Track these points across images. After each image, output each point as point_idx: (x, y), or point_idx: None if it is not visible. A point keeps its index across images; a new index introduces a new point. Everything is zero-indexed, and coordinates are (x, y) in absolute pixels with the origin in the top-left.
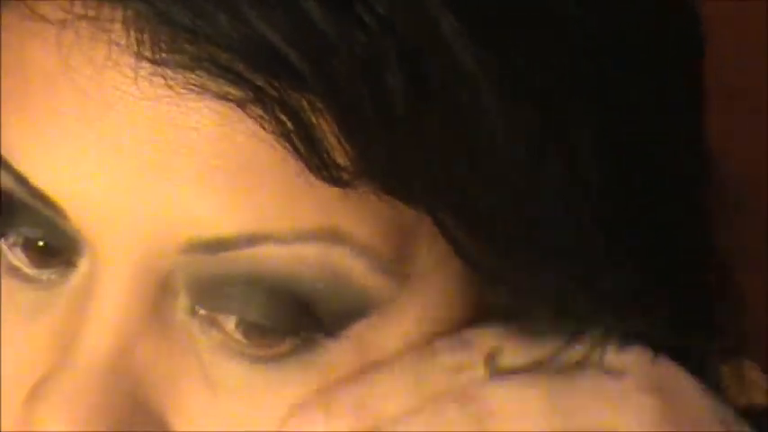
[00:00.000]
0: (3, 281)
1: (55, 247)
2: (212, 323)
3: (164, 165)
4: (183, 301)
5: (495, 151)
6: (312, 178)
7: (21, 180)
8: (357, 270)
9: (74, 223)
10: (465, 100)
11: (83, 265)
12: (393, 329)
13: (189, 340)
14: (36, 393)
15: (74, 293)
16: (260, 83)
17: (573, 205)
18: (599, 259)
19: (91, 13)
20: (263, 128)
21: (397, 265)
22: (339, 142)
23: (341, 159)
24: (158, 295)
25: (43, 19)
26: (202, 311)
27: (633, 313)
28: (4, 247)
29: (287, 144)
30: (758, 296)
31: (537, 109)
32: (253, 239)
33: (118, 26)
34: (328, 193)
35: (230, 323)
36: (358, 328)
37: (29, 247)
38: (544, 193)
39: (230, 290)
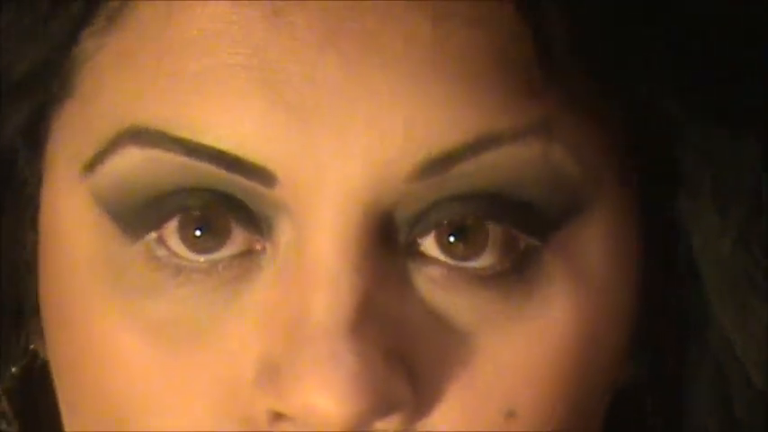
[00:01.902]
0: (173, 296)
1: (220, 225)
2: (425, 260)
3: (382, 92)
4: (401, 241)
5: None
6: (528, 74)
7: (215, 156)
8: (571, 165)
9: (281, 190)
10: None
11: (278, 241)
12: (591, 231)
13: (410, 284)
14: (281, 376)
15: (275, 275)
16: None
17: None
18: None
19: None
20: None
21: (597, 161)
22: (562, 28)
23: (561, 47)
24: (380, 241)
25: None
26: (417, 247)
27: None
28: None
29: (512, 34)
30: None
31: None
32: (483, 145)
33: None
34: (543, 85)
35: (434, 247)
36: (564, 234)
37: (189, 236)
38: None
39: (451, 206)
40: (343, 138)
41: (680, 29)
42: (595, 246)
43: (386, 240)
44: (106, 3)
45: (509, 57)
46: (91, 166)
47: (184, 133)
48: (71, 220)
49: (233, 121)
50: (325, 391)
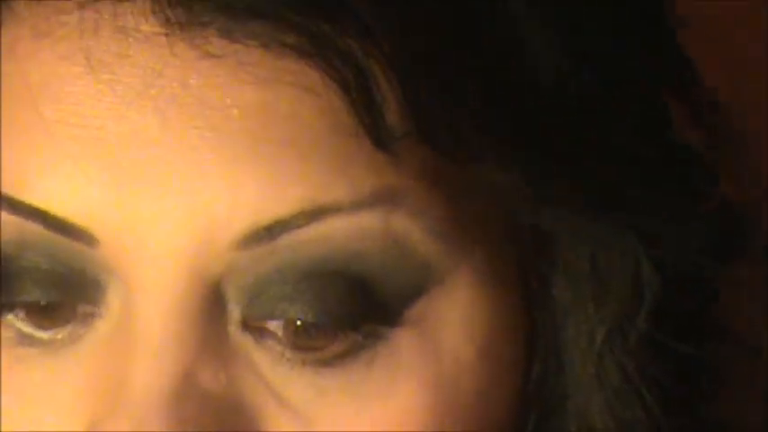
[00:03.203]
0: (13, 354)
1: (64, 302)
2: (264, 333)
3: (203, 153)
4: (233, 314)
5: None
6: (364, 142)
7: (37, 215)
8: (416, 235)
9: (104, 251)
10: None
11: (111, 305)
12: (450, 300)
13: (246, 358)
14: None
15: (106, 337)
16: (318, 29)
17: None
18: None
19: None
20: (328, 76)
21: (451, 230)
22: (394, 97)
23: (394, 116)
24: (208, 312)
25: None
26: (254, 323)
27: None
28: (10, 319)
29: (343, 101)
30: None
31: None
32: (313, 215)
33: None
34: (380, 156)
35: (279, 330)
36: (419, 307)
37: (32, 311)
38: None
39: (283, 288)
40: (164, 200)
41: (529, 107)
42: (452, 318)
43: (217, 312)
44: None
45: (340, 123)
46: None
47: (12, 190)
48: None
49: (54, 181)
50: None
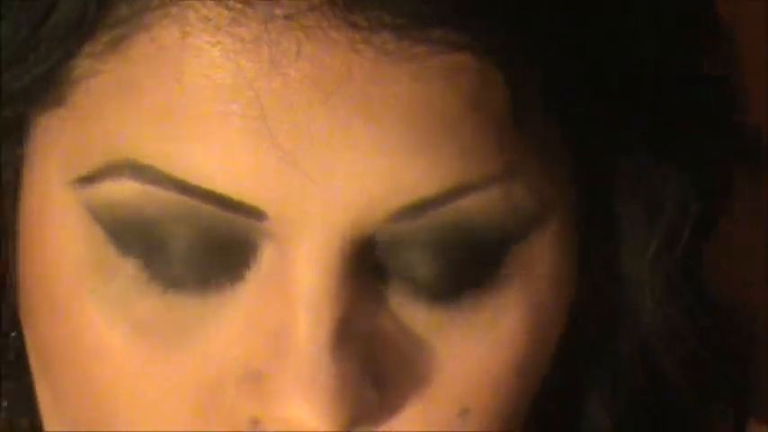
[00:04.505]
0: (162, 299)
1: (213, 260)
2: (396, 276)
3: (365, 142)
4: (375, 262)
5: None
6: (500, 122)
7: (207, 195)
8: (530, 200)
9: (269, 224)
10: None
11: (261, 261)
12: (542, 246)
13: (378, 297)
14: (265, 386)
15: (258, 288)
16: (475, 26)
17: None
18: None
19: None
20: (483, 67)
21: (551, 189)
22: (534, 79)
23: (532, 97)
24: (356, 268)
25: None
26: (391, 275)
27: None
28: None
29: (490, 90)
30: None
31: None
32: (455, 193)
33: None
34: (510, 135)
35: (412, 274)
36: (520, 250)
37: (184, 260)
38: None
39: (421, 254)
40: (327, 184)
41: (630, 77)
42: (544, 258)
43: (363, 265)
44: (109, 29)
45: (483, 106)
46: (84, 181)
47: (183, 174)
48: (60, 221)
49: (229, 166)
50: (307, 405)
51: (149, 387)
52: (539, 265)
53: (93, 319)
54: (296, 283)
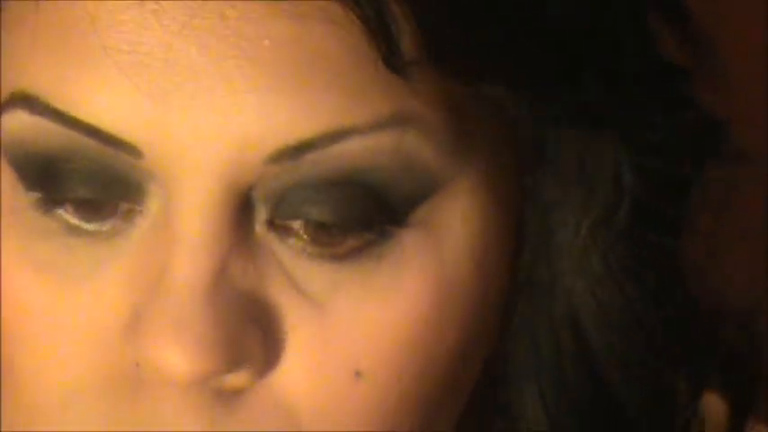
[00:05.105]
0: (62, 241)
1: (108, 200)
2: (288, 231)
3: (238, 80)
4: (260, 216)
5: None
6: (382, 69)
7: (90, 131)
8: (425, 152)
9: (148, 162)
10: None
11: (151, 205)
12: (453, 205)
13: (269, 252)
14: (141, 328)
15: (147, 233)
16: None
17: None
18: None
19: None
20: (351, 11)
21: (455, 143)
22: (409, 27)
23: (409, 45)
24: (240, 211)
25: None
26: (278, 221)
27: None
28: (59, 213)
29: (364, 32)
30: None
31: None
32: (335, 136)
33: None
34: (396, 81)
35: (301, 228)
36: (424, 211)
37: (78, 207)
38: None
39: (306, 193)
40: (203, 120)
41: (534, 31)
42: (454, 220)
43: (246, 213)
44: None
45: (361, 53)
46: None
47: (65, 107)
48: None
49: (106, 101)
50: (177, 348)
51: (48, 330)
52: (448, 227)
53: (7, 259)
54: (178, 226)
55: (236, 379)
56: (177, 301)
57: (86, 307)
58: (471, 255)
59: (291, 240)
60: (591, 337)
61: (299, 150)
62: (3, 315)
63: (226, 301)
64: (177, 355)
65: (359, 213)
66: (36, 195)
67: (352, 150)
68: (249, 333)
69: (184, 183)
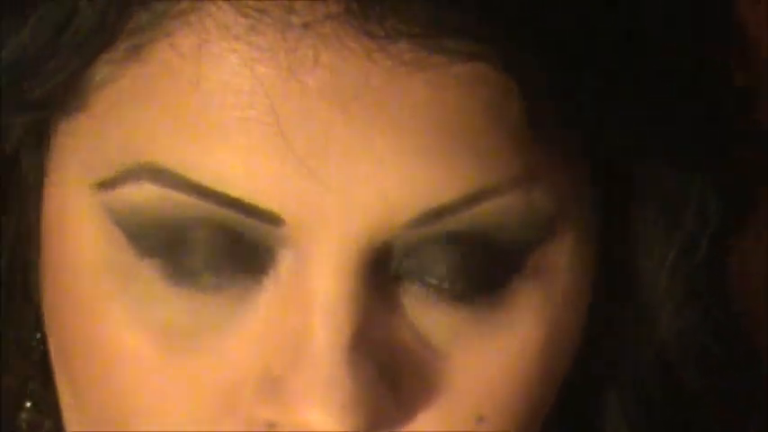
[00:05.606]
0: (182, 303)
1: (233, 263)
2: (411, 281)
3: (381, 147)
4: (393, 268)
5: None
6: (517, 129)
7: (227, 200)
8: (550, 205)
9: (287, 229)
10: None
11: (281, 266)
12: (561, 248)
13: (397, 304)
14: (282, 389)
15: (275, 294)
16: (488, 35)
17: None
18: None
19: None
20: (499, 75)
21: (567, 190)
22: (549, 90)
23: (548, 107)
24: (374, 273)
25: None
26: (403, 272)
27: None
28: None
29: (506, 96)
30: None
31: None
32: (474, 198)
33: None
34: (525, 136)
35: (429, 278)
36: (536, 255)
37: (202, 270)
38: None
39: (433, 249)
40: (346, 192)
41: (650, 83)
42: (562, 262)
43: (380, 271)
44: (129, 36)
45: (499, 114)
46: (105, 185)
47: (199, 178)
48: (80, 224)
49: (245, 171)
50: (324, 410)
51: (167, 389)
52: (556, 270)
53: (113, 321)
54: (314, 289)
55: None
56: (321, 363)
57: (210, 369)
58: (577, 295)
59: (414, 288)
60: (680, 363)
61: (439, 215)
62: (116, 377)
63: (365, 359)
64: (325, 416)
65: (482, 269)
66: (155, 261)
67: (487, 210)
68: (387, 390)
69: (322, 248)
